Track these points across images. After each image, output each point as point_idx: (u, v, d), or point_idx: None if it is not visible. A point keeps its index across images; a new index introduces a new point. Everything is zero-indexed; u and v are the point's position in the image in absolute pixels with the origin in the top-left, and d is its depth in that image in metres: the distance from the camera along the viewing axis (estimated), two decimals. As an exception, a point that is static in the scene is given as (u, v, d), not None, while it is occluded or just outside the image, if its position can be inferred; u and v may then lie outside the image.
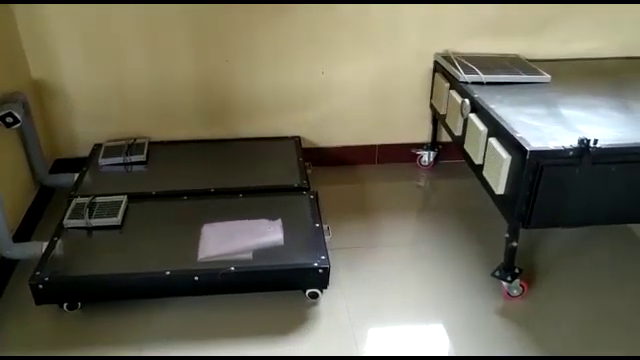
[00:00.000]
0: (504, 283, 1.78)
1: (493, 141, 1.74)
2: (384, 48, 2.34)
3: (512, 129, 1.66)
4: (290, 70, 2.35)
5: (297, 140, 2.43)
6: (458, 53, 2.28)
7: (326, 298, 1.80)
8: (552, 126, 1.72)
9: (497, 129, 1.73)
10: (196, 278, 1.67)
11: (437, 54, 2.32)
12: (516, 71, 2.12)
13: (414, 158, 2.56)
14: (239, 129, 2.46)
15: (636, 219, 1.84)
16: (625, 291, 1.86)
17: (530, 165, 1.55)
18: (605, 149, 1.54)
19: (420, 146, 2.54)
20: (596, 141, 1.53)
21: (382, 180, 2.49)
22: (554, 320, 1.74)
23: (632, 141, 1.61)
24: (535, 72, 2.13)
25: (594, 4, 2.29)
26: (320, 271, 1.70)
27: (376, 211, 2.27)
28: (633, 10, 2.33)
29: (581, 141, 1.53)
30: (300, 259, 1.74)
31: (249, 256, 1.76)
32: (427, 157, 2.54)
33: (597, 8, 2.31)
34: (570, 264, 1.98)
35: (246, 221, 1.92)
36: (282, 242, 1.82)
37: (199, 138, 2.45)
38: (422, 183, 2.51)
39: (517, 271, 1.77)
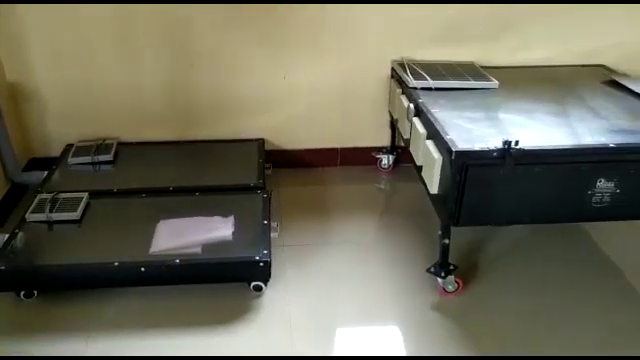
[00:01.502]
0: (439, 279, 1.85)
1: (429, 143, 1.82)
2: (345, 55, 2.42)
3: (444, 131, 1.74)
4: (253, 75, 2.44)
5: (260, 142, 2.52)
6: (414, 60, 2.37)
7: (270, 292, 1.88)
8: (485, 129, 1.79)
9: (433, 131, 1.81)
10: (142, 269, 1.76)
11: (394, 61, 2.40)
12: (466, 77, 2.20)
13: (375, 161, 2.64)
14: (206, 132, 2.56)
15: (561, 219, 1.90)
16: (562, 289, 1.91)
17: (456, 165, 1.63)
18: (527, 150, 1.61)
19: (380, 150, 2.62)
20: (517, 142, 1.60)
21: (342, 182, 2.57)
22: (489, 316, 1.80)
23: (556, 143, 1.68)
24: (484, 78, 2.20)
25: (551, 11, 2.36)
26: (261, 264, 1.78)
27: (333, 211, 2.34)
28: (586, 19, 2.39)
29: (504, 142, 1.61)
30: (243, 252, 1.82)
31: (197, 250, 1.85)
32: (387, 160, 2.61)
33: (553, 18, 2.38)
34: (510, 262, 2.04)
35: (200, 218, 2.01)
36: (230, 237, 1.91)
37: (167, 140, 2.54)
38: (381, 185, 2.58)
39: (452, 267, 1.84)
